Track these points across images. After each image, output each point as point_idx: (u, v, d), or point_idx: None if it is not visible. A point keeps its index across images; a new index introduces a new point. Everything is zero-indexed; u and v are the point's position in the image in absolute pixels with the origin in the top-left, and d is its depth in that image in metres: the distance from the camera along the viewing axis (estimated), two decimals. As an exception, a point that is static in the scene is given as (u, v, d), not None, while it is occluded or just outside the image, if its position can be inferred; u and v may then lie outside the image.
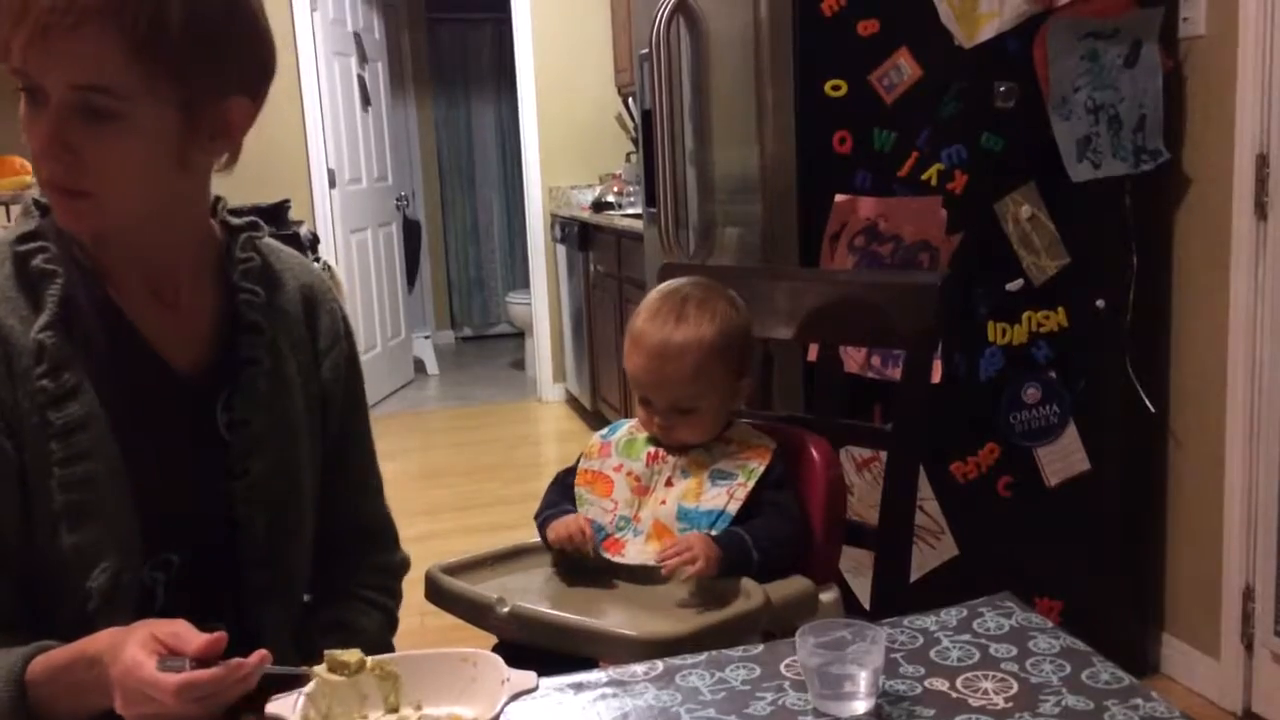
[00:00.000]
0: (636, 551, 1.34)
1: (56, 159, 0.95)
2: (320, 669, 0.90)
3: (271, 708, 0.87)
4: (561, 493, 1.44)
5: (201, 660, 0.88)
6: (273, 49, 1.06)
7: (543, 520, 1.39)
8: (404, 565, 1.32)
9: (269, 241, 1.20)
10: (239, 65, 1.02)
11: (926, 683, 0.95)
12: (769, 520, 1.32)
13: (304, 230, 4.41)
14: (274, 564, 1.14)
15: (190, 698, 0.86)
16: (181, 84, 0.96)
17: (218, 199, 1.17)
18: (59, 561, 1.01)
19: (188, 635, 0.90)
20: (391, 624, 1.27)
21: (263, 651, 0.91)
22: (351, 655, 0.91)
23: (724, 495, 1.34)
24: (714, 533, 1.29)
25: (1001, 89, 2.16)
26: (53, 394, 1.00)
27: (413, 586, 1.34)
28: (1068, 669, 0.96)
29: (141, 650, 0.89)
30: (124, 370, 1.05)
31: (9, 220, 3.18)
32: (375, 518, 1.29)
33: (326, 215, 5.14)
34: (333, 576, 1.24)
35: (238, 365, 1.11)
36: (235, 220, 1.16)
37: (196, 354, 1.10)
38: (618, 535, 1.36)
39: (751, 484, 1.34)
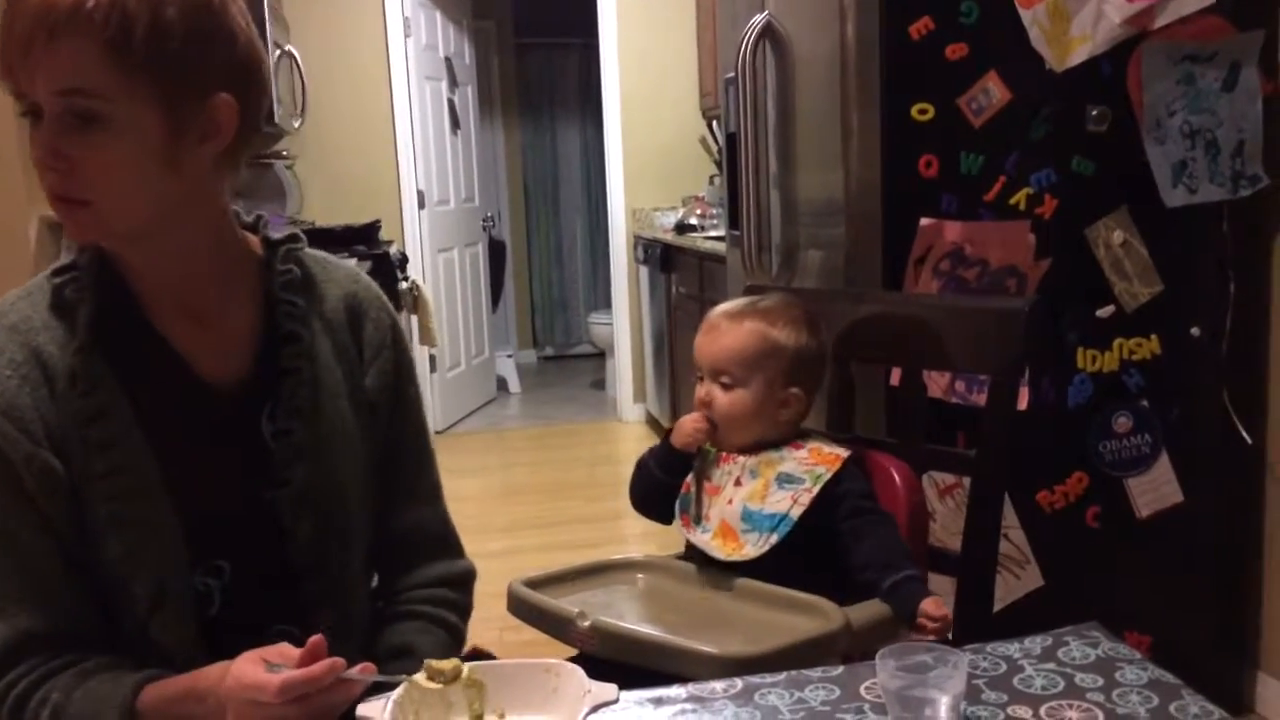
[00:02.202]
0: (702, 545, 1.38)
1: (53, 169, 1.00)
2: (419, 676, 0.93)
3: (362, 709, 0.91)
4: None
5: (303, 665, 0.93)
6: (251, 47, 1.08)
7: (654, 449, 1.47)
8: (467, 575, 1.30)
9: (315, 254, 1.23)
10: (214, 62, 1.04)
11: (1009, 710, 0.94)
12: (887, 533, 1.33)
13: (393, 250, 4.51)
14: (326, 570, 1.16)
15: (292, 696, 0.91)
16: (157, 81, 1.00)
17: (258, 217, 1.21)
18: (111, 570, 1.07)
19: (290, 652, 0.95)
20: (456, 639, 1.25)
21: (369, 664, 0.96)
22: (448, 664, 0.94)
23: (788, 500, 1.35)
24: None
25: (1094, 112, 2.13)
26: (87, 413, 1.06)
27: (494, 600, 1.36)
28: (1155, 701, 0.94)
29: (249, 664, 0.95)
30: (160, 388, 1.11)
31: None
32: (431, 524, 1.28)
33: (415, 235, 5.25)
34: (392, 585, 1.25)
35: (277, 376, 1.14)
36: (275, 235, 1.19)
37: (237, 368, 1.14)
38: (693, 523, 1.41)
39: (817, 489, 1.35)
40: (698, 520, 1.41)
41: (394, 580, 1.25)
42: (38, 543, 1.06)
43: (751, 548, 1.33)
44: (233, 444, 1.14)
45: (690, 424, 1.43)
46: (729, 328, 1.42)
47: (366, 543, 1.22)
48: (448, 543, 1.30)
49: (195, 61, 1.02)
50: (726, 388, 1.41)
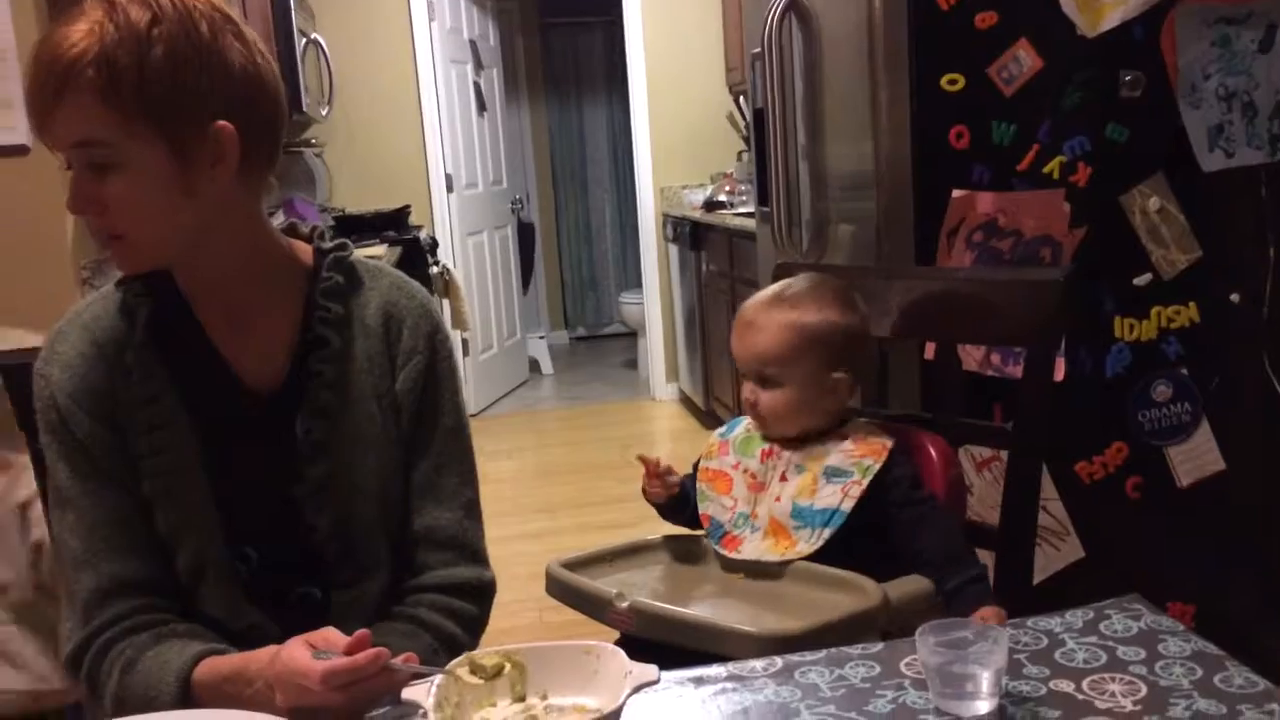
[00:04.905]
0: (753, 549, 1.35)
1: (87, 212, 1.09)
2: (461, 669, 0.94)
3: (407, 693, 0.93)
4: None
5: (349, 654, 0.96)
6: (251, 69, 1.11)
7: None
8: (479, 585, 1.26)
9: (369, 262, 1.29)
10: (208, 93, 1.08)
11: (1051, 684, 0.94)
12: (947, 526, 1.33)
13: (423, 235, 4.53)
14: (348, 561, 1.21)
15: (335, 684, 0.95)
16: (153, 122, 1.06)
17: (314, 227, 1.27)
18: (162, 539, 1.18)
19: (336, 638, 0.99)
20: (450, 647, 1.20)
21: (410, 654, 1.00)
22: (490, 659, 0.95)
23: (838, 493, 1.34)
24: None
25: (1127, 78, 2.09)
26: (140, 398, 1.17)
27: (533, 582, 1.38)
28: (1199, 672, 0.93)
29: (297, 647, 0.99)
30: (204, 384, 1.20)
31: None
32: (447, 528, 1.26)
33: (445, 219, 5.27)
34: (401, 585, 1.25)
35: (307, 378, 1.20)
36: (326, 244, 1.26)
37: (274, 370, 1.21)
38: (735, 532, 1.38)
39: (866, 481, 1.34)
40: (741, 523, 1.39)
41: (404, 580, 1.25)
42: (115, 499, 1.16)
43: (805, 544, 1.32)
44: (266, 440, 1.20)
45: (649, 488, 1.45)
46: (761, 324, 1.40)
47: (392, 538, 1.25)
48: (464, 550, 1.26)
49: (187, 96, 1.07)
50: (768, 386, 1.40)
